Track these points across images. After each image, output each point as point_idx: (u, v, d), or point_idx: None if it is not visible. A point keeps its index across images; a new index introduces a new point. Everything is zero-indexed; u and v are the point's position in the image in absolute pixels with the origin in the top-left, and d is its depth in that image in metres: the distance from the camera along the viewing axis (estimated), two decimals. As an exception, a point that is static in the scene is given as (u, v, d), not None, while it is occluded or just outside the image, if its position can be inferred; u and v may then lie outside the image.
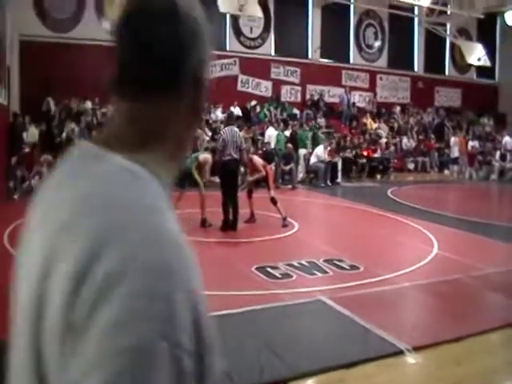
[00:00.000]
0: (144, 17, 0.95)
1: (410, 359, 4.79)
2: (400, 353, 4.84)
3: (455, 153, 22.89)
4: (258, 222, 11.00)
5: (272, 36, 24.90)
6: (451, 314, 5.93)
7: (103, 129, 1.02)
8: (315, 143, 19.44)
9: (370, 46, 27.62)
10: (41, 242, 0.88)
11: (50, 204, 0.93)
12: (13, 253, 7.76)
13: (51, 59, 18.76)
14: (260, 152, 17.74)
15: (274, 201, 10.76)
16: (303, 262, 7.81)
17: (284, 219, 10.77)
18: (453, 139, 23.29)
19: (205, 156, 10.94)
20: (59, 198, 0.91)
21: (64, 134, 16.13)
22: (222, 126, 16.10)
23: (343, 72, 26.63)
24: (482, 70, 28.71)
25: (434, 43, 28.23)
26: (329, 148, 18.64)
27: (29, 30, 18.88)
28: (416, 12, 27.13)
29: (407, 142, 24.16)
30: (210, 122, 19.82)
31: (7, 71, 15.97)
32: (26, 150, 14.21)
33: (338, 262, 7.89)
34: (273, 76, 24.79)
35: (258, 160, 11.48)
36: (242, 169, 13.19)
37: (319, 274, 7.32)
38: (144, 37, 0.94)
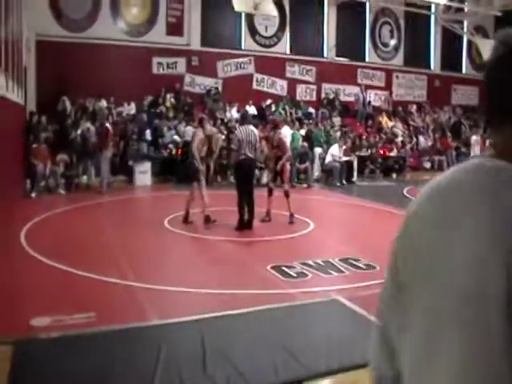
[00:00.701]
0: None
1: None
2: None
3: (475, 151, 22.68)
4: (274, 221, 10.98)
5: (287, 34, 24.85)
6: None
7: (488, 152, 1.17)
8: (328, 142, 19.39)
9: (385, 45, 27.48)
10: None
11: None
12: (30, 251, 7.84)
13: (67, 59, 18.87)
14: (274, 151, 17.73)
15: (287, 194, 10.82)
16: (319, 262, 7.78)
17: (291, 216, 10.82)
18: (474, 138, 23.06)
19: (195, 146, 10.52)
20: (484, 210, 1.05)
21: (79, 132, 16.17)
22: (237, 125, 16.11)
23: (359, 70, 26.52)
24: (499, 68, 28.46)
25: (451, 41, 28.05)
26: (344, 147, 18.56)
27: (45, 30, 19.00)
28: (433, 9, 26.95)
29: (424, 141, 24.01)
30: (225, 121, 19.78)
31: (24, 71, 16.07)
32: (34, 145, 14.25)
33: (354, 262, 7.84)
34: (288, 75, 24.74)
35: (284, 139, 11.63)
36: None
37: (335, 274, 7.29)
38: None
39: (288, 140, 17.97)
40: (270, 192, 10.96)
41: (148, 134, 18.33)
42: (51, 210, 11.61)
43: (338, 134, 20.17)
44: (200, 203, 10.47)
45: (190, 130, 16.96)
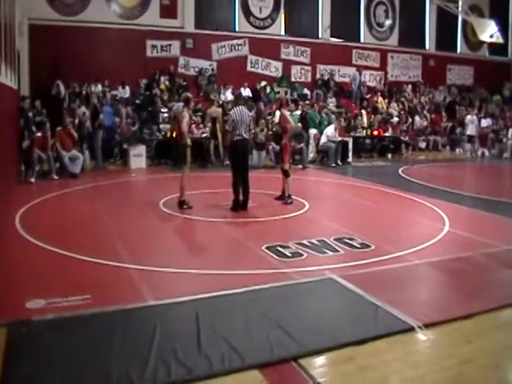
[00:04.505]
0: None
1: (421, 336, 4.77)
2: (411, 330, 4.83)
3: (470, 131, 22.65)
4: (269, 202, 10.98)
5: (281, 16, 24.74)
6: (462, 291, 5.90)
7: None
8: (321, 124, 19.27)
9: (380, 25, 27.37)
10: None
11: None
12: (24, 235, 7.83)
13: (60, 43, 18.84)
14: (270, 132, 17.70)
15: (286, 174, 10.86)
16: (314, 241, 7.79)
17: (284, 196, 10.88)
18: (468, 117, 23.03)
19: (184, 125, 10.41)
20: None
21: (76, 120, 16.12)
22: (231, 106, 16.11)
23: (354, 51, 26.44)
24: (494, 47, 28.37)
25: (446, 20, 27.94)
26: (338, 127, 18.52)
27: (38, 14, 18.92)
28: (427, -11, 26.85)
29: (419, 121, 23.97)
30: (220, 102, 19.67)
31: (17, 56, 15.94)
32: (38, 134, 14.16)
33: (348, 241, 7.86)
34: (283, 56, 24.68)
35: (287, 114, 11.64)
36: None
37: (330, 253, 7.30)
38: None
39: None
40: (284, 173, 11.05)
41: (161, 118, 18.44)
42: (46, 194, 11.60)
43: (333, 116, 20.00)
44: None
45: (176, 106, 17.04)
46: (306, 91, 23.96)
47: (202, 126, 17.71)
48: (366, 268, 6.58)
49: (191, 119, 10.77)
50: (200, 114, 18.64)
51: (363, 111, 22.65)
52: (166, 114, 18.43)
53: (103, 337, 4.58)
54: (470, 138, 22.76)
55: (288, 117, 11.51)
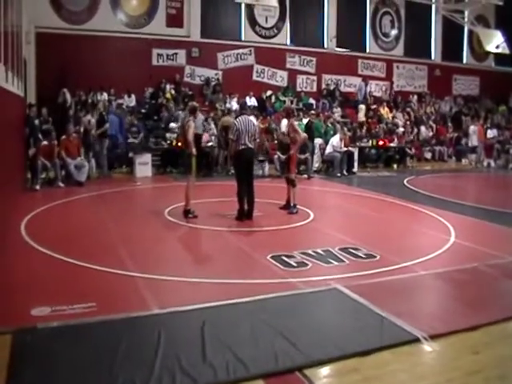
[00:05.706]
0: None
1: (427, 347, 4.74)
2: (416, 341, 4.80)
3: (473, 141, 22.64)
4: (274, 212, 10.97)
5: (287, 25, 24.83)
6: (468, 302, 5.87)
7: None
8: (327, 133, 19.25)
9: (386, 35, 27.44)
10: None
11: None
12: (30, 242, 7.83)
13: (67, 51, 18.93)
14: (275, 142, 17.71)
15: (293, 183, 10.84)
16: (319, 251, 7.77)
17: (293, 206, 10.85)
18: (472, 128, 23.03)
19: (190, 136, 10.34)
20: None
21: (82, 129, 16.16)
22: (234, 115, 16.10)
23: (359, 61, 26.50)
24: (500, 58, 28.36)
25: (452, 31, 27.98)
26: (344, 137, 18.52)
27: (44, 23, 19.01)
28: (433, -1, 26.91)
29: (425, 131, 23.96)
30: (226, 111, 19.70)
31: (24, 64, 16.01)
32: (45, 142, 14.22)
33: (353, 251, 7.84)
34: (288, 66, 24.74)
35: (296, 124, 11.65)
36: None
37: (335, 263, 7.28)
38: None
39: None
40: (288, 182, 11.04)
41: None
42: (52, 201, 11.62)
43: (338, 125, 19.99)
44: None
45: (180, 114, 17.10)
46: (312, 101, 23.99)
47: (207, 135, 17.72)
48: (372, 278, 6.55)
49: (205, 128, 10.69)
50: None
51: (362, 106, 22.75)
52: (172, 124, 18.42)
53: (108, 345, 4.57)
54: (474, 149, 22.75)
55: (297, 127, 11.53)
